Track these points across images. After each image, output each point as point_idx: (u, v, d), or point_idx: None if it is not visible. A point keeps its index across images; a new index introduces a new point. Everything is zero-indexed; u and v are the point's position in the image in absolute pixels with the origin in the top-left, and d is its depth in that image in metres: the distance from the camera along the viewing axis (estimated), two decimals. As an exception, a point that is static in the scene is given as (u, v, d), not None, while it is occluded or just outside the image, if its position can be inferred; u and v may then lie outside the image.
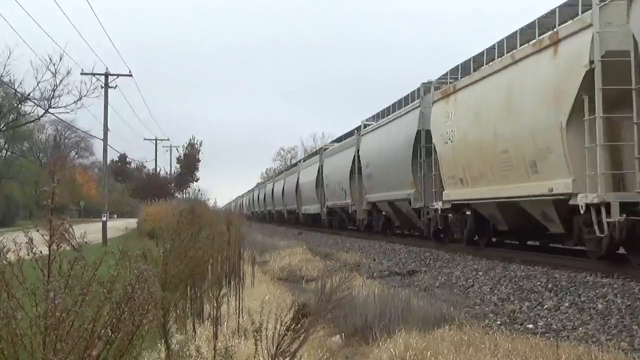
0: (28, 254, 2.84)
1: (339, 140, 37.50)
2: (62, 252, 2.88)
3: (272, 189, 60.23)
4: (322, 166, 37.45)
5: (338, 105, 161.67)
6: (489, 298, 11.13)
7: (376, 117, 27.98)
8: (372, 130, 27.15)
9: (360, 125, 30.24)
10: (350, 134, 33.65)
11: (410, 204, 21.07)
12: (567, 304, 9.59)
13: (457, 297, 11.61)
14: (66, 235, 3.07)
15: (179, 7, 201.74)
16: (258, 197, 75.50)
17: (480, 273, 13.48)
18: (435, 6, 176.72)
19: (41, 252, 2.86)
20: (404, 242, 22.26)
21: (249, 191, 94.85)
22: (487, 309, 10.23)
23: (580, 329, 8.23)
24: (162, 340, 4.48)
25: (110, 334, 2.78)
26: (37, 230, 2.87)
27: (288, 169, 59.46)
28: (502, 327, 8.44)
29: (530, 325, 8.68)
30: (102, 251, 3.13)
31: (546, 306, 9.72)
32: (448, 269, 15.00)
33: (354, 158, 29.30)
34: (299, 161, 52.91)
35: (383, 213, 25.79)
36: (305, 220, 44.46)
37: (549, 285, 10.99)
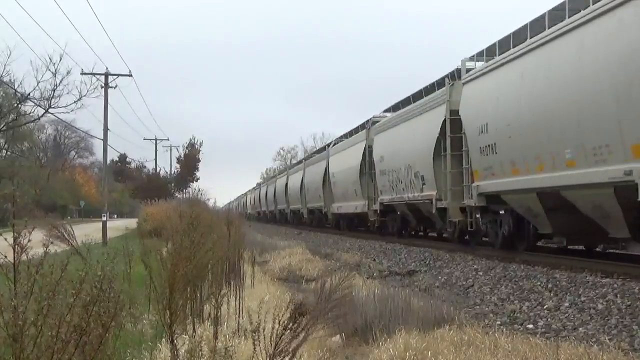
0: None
1: (397, 107, 24.98)
2: (61, 253, 2.85)
3: (286, 184, 49.61)
4: (370, 147, 26.82)
5: (338, 105, 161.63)
6: (489, 298, 11.13)
7: (493, 49, 15.89)
8: (494, 68, 15.32)
9: (456, 70, 18.66)
10: (431, 89, 20.81)
11: (620, 196, 10.71)
12: (567, 304, 9.59)
13: (457, 297, 11.61)
14: (66, 235, 3.06)
15: (179, 7, 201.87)
16: (266, 195, 63.61)
17: (480, 273, 13.48)
18: (436, 7, 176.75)
19: (6, 257, 2.81)
20: (405, 243, 22.17)
21: (254, 188, 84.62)
22: (487, 309, 10.23)
23: (580, 329, 8.23)
24: (168, 340, 4.46)
25: (78, 338, 2.73)
26: (0, 235, 2.81)
27: (309, 157, 46.57)
28: (502, 327, 8.43)
29: (530, 325, 8.68)
30: (97, 251, 3.10)
31: (546, 306, 9.72)
32: (448, 269, 15.00)
33: (442, 125, 18.24)
34: (328, 145, 39.29)
35: (502, 212, 15.84)
36: (337, 222, 34.46)
37: (549, 285, 10.99)
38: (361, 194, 27.83)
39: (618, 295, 9.45)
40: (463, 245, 18.02)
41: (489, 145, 15.27)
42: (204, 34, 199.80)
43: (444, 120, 18.10)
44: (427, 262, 16.73)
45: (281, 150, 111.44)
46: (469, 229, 17.25)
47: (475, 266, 14.42)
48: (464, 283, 12.93)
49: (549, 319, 8.97)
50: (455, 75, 18.66)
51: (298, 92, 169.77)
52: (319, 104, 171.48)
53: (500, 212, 15.75)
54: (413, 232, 24.70)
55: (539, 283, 11.35)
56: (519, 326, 8.64)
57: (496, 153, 14.90)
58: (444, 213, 18.64)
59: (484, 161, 15.58)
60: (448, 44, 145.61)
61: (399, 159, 22.32)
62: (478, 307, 10.48)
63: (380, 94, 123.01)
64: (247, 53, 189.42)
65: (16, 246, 2.75)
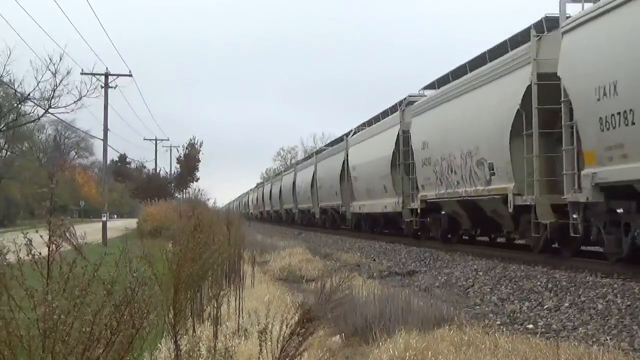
0: (28, 255, 2.84)
1: (445, 80, 19.19)
2: (64, 253, 2.88)
3: (294, 181, 44.93)
4: (405, 132, 21.59)
5: (338, 105, 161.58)
6: (489, 298, 11.14)
7: None
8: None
9: (545, 20, 13.87)
10: (500, 49, 15.68)
11: None
12: (567, 304, 9.59)
13: (457, 297, 11.61)
14: (67, 235, 3.08)
15: (179, 7, 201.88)
16: (270, 193, 58.96)
17: (480, 273, 13.48)
18: (436, 7, 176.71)
19: (40, 253, 2.86)
20: (405, 243, 22.16)
21: (256, 186, 79.74)
22: (487, 309, 10.24)
23: (580, 329, 8.23)
24: (172, 340, 4.48)
25: (109, 337, 2.78)
26: (37, 232, 2.86)
27: (321, 150, 41.01)
28: (502, 327, 8.43)
29: (530, 325, 8.68)
30: (103, 252, 3.13)
31: (546, 306, 9.72)
32: (448, 269, 14.99)
33: (525, 94, 13.65)
34: (346, 135, 32.67)
35: (620, 210, 11.43)
36: (357, 223, 29.49)
37: (549, 285, 10.99)
38: (393, 190, 22.75)
39: (618, 295, 9.45)
40: (550, 257, 13.69)
41: (619, 114, 10.48)
42: (204, 34, 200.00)
43: (528, 87, 13.51)
44: (427, 262, 16.72)
45: (281, 150, 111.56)
46: (572, 234, 12.32)
47: (475, 266, 14.41)
48: (464, 283, 12.93)
49: (549, 319, 8.97)
50: (544, 26, 13.77)
51: (298, 92, 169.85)
52: (319, 104, 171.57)
53: (619, 211, 11.44)
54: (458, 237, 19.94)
55: (539, 283, 11.34)
56: (519, 326, 8.64)
57: (633, 124, 10.14)
58: (520, 212, 14.49)
59: (607, 138, 10.86)
60: (448, 44, 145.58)
61: (452, 144, 17.39)
62: (478, 307, 10.48)
63: (381, 94, 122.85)
64: (248, 53, 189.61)
65: (52, 245, 2.78)
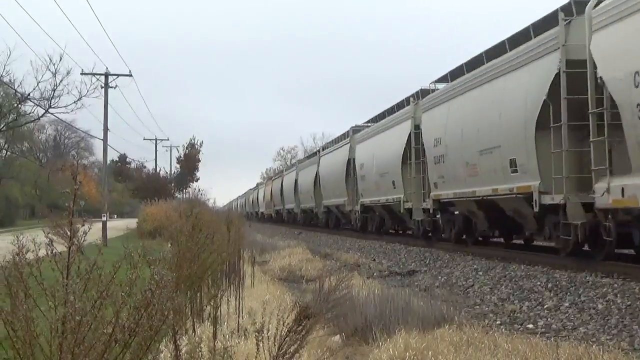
0: (47, 254, 2.85)
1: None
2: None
3: (349, 160, 29.08)
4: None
5: (338, 105, 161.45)
6: (489, 298, 11.13)
7: None
8: None
9: None
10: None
11: None
12: (567, 304, 9.59)
13: (457, 297, 11.61)
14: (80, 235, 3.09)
15: (179, 7, 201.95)
16: (296, 185, 41.63)
17: (480, 273, 13.48)
18: (436, 7, 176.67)
19: (60, 253, 2.87)
20: (404, 242, 22.16)
21: (271, 178, 63.45)
22: (487, 309, 10.23)
23: (580, 329, 8.23)
24: (171, 341, 4.48)
25: (128, 338, 2.77)
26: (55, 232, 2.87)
27: (384, 114, 25.32)
28: (502, 327, 8.43)
29: (530, 325, 8.68)
30: (120, 254, 3.14)
31: (546, 306, 9.72)
32: (448, 269, 14.99)
33: None
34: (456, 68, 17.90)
35: None
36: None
37: (549, 285, 10.99)
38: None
39: (618, 295, 9.45)
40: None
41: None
42: (204, 33, 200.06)
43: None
44: (427, 262, 16.72)
45: (281, 150, 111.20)
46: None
47: (475, 266, 14.41)
48: (464, 283, 12.93)
49: (549, 319, 8.96)
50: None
51: (298, 92, 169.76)
52: (319, 104, 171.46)
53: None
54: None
55: (539, 283, 11.34)
56: (519, 326, 8.64)
57: None
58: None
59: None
60: (449, 45, 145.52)
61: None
62: (478, 307, 10.48)
63: (381, 93, 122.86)
64: (248, 53, 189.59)
65: (72, 245, 2.78)
